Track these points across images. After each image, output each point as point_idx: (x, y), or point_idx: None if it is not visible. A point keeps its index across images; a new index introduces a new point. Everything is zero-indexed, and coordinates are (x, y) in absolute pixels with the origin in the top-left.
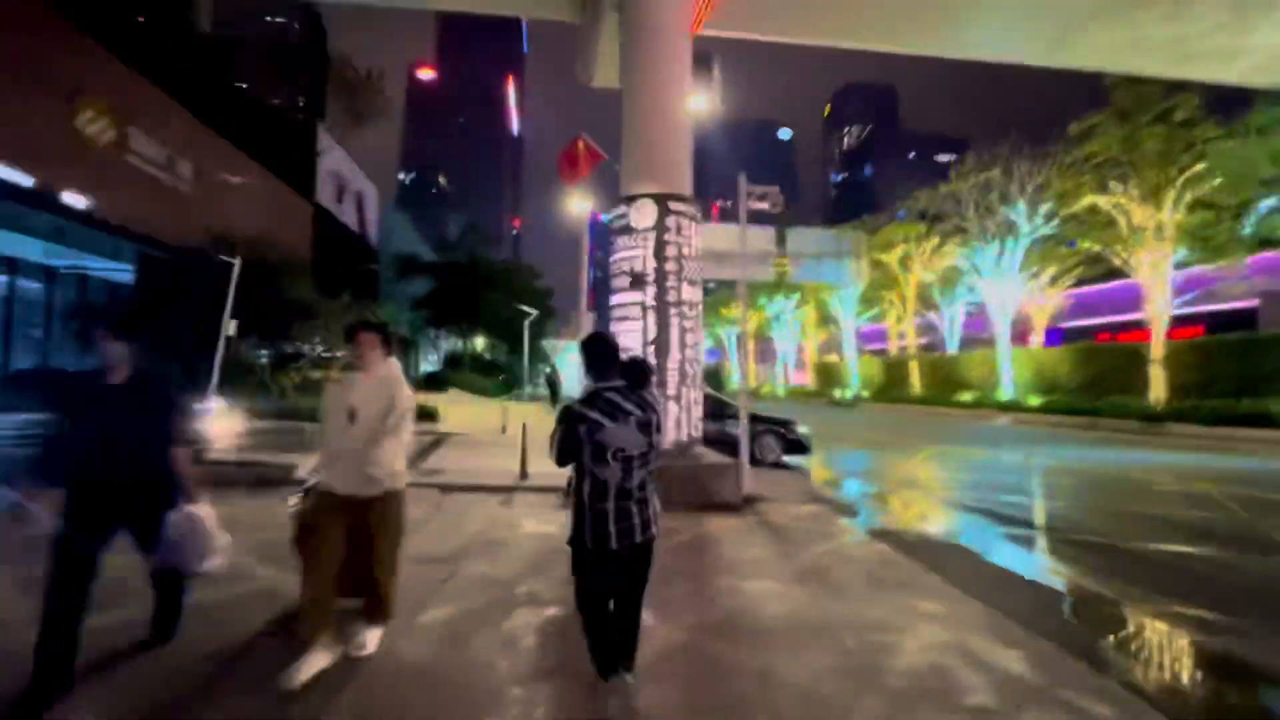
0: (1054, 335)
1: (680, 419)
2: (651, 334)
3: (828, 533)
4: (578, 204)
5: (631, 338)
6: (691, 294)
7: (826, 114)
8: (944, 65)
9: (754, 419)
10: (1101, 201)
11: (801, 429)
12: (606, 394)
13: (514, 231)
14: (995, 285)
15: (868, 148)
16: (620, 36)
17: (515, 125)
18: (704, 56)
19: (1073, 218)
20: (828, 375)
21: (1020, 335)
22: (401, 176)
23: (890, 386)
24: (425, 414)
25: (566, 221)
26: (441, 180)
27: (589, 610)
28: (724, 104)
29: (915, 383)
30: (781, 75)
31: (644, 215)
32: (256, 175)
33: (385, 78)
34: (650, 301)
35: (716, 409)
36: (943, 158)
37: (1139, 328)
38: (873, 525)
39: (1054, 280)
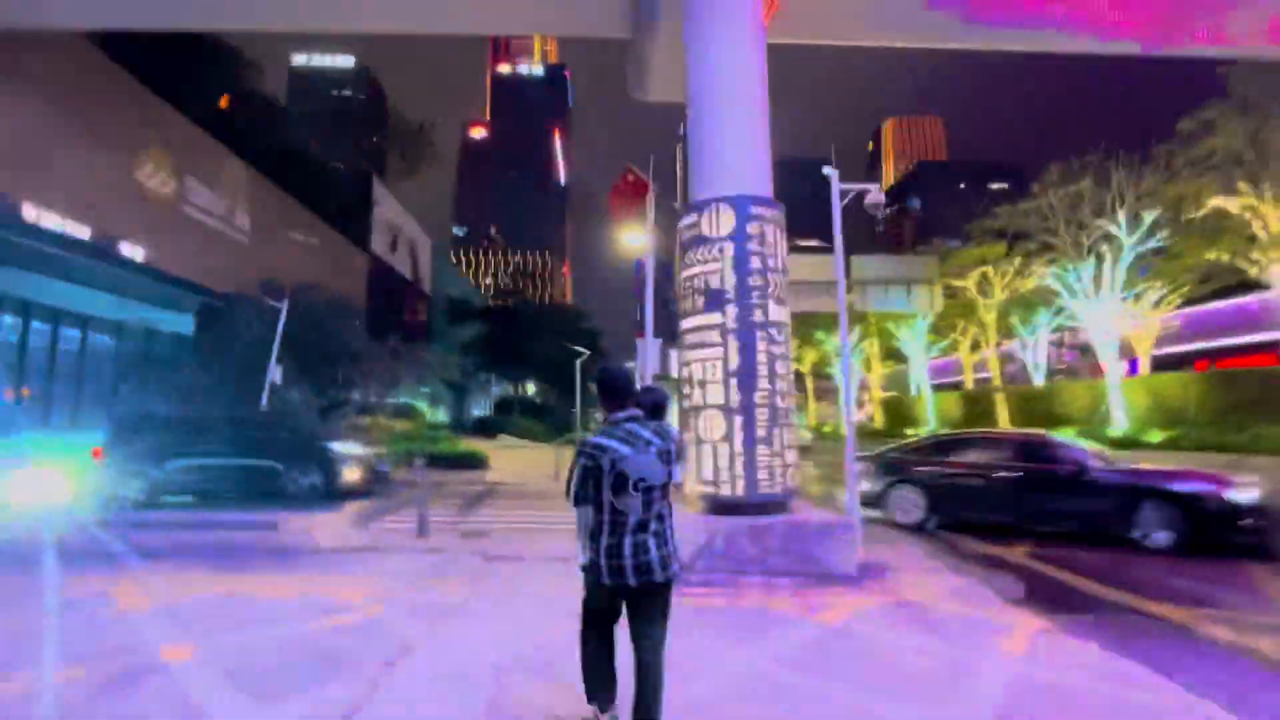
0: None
1: (772, 466)
2: (734, 363)
3: (999, 623)
4: (630, 237)
5: (709, 368)
6: (780, 314)
7: (870, 149)
8: (990, 95)
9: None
10: (1232, 205)
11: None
12: (626, 424)
13: (564, 277)
14: (1095, 308)
15: (913, 180)
16: (685, 33)
17: (563, 175)
18: None
19: (1188, 225)
20: (895, 412)
21: (1093, 365)
22: (456, 230)
23: (969, 423)
24: (473, 461)
25: (614, 265)
26: (493, 231)
27: (591, 637)
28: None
29: (1002, 418)
30: (821, 113)
31: (720, 221)
32: (313, 226)
33: (435, 129)
34: (731, 324)
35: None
36: (995, 185)
37: (1262, 351)
38: (1054, 611)
39: (1158, 300)
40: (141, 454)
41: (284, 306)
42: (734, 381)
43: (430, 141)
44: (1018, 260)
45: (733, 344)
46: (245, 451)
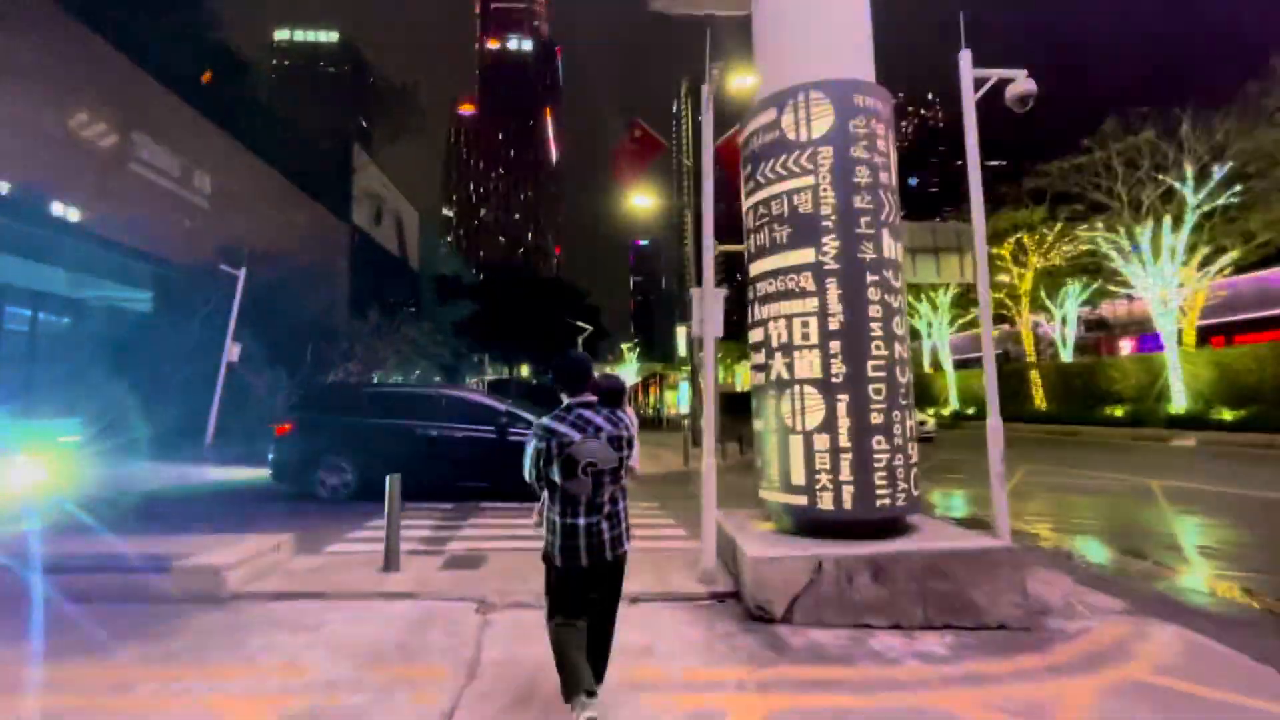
0: (1148, 341)
1: (893, 466)
2: (836, 319)
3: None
4: (639, 199)
5: (796, 328)
6: (895, 249)
7: None
8: (1028, 35)
9: None
10: None
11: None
12: (578, 409)
13: (556, 258)
14: (1152, 274)
15: (912, 158)
16: None
17: (554, 155)
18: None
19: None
20: (920, 387)
21: (1108, 341)
22: (446, 211)
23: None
24: None
25: (608, 245)
26: (483, 212)
27: (562, 633)
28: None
29: (1038, 397)
30: None
31: (812, 118)
32: (286, 193)
33: (420, 88)
34: (832, 263)
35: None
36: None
37: None
38: None
39: (1214, 266)
40: (341, 433)
41: (241, 275)
42: (836, 345)
43: (416, 105)
44: (1059, 225)
45: (833, 292)
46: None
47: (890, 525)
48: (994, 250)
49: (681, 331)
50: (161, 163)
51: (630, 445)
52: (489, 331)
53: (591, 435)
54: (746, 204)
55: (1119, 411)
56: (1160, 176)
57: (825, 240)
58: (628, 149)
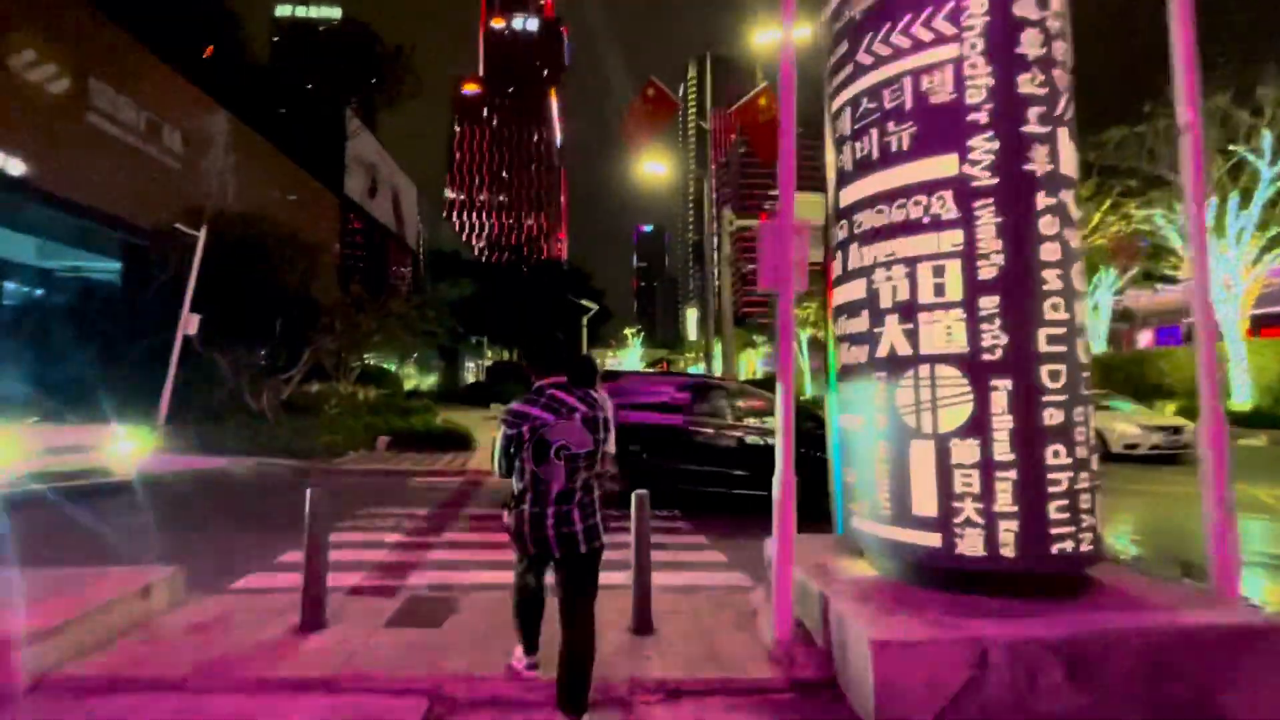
0: (1165, 335)
1: (1075, 492)
2: (992, 261)
3: None
4: (651, 166)
5: (921, 276)
6: (1073, 163)
7: None
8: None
9: None
10: None
11: None
12: (550, 390)
13: (560, 241)
14: (1215, 256)
15: None
16: None
17: (559, 136)
18: (726, 62)
19: None
20: None
21: (1127, 334)
22: (449, 193)
23: None
24: (453, 440)
25: (613, 229)
26: (486, 193)
27: (522, 601)
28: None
29: None
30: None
31: None
32: (271, 156)
33: (415, 51)
34: (984, 177)
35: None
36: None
37: None
38: None
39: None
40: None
41: (201, 236)
42: (991, 303)
43: (412, 69)
44: (1107, 201)
45: (986, 222)
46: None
47: (1069, 581)
48: None
49: (692, 314)
50: (125, 116)
51: (607, 429)
52: (489, 312)
53: (565, 417)
54: (838, 101)
55: (1171, 408)
56: (1231, 148)
57: (974, 142)
58: (641, 109)
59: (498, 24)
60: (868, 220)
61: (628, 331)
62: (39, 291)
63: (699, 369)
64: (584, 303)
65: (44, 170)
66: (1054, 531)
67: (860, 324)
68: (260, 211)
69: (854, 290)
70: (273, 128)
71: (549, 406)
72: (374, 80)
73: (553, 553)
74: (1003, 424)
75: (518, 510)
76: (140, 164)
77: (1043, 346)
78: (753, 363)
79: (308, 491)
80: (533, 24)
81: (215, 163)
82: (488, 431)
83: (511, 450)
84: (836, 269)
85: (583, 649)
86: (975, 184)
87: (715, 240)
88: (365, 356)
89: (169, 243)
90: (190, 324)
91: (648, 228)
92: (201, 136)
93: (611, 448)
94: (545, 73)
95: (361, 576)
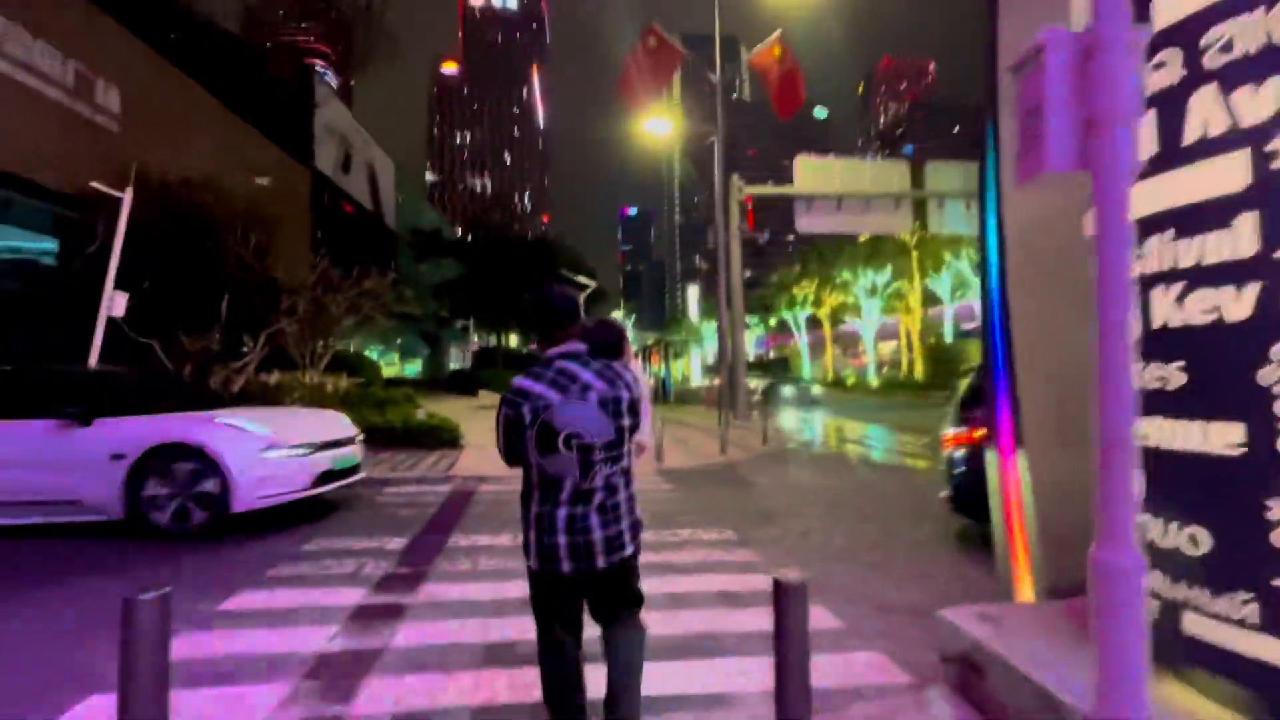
0: None
1: None
2: None
3: None
4: (653, 124)
5: None
6: None
7: (860, 91)
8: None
9: None
10: None
11: None
12: (559, 363)
13: (543, 227)
14: None
15: (907, 124)
16: None
17: (541, 119)
18: (732, 42)
19: None
20: (946, 359)
21: None
22: (430, 176)
23: None
24: (439, 437)
25: (598, 214)
26: (468, 176)
27: (547, 648)
28: (753, 84)
29: None
30: (813, 54)
31: None
32: (228, 122)
33: (387, 9)
34: None
35: None
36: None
37: None
38: None
39: None
40: None
41: (125, 198)
42: None
43: (385, 29)
44: None
45: None
46: None
47: None
48: None
49: (693, 292)
50: (45, 65)
51: (635, 412)
52: (475, 294)
53: (577, 396)
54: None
55: None
56: None
57: None
58: (642, 61)
59: (476, 1)
60: (1246, 35)
61: (616, 314)
62: None
63: (710, 346)
64: (581, 279)
65: None
66: None
67: (1231, 245)
68: (211, 181)
69: (1210, 177)
70: (234, 92)
71: (555, 383)
72: (347, 44)
73: (561, 567)
74: None
75: (524, 511)
76: (67, 123)
77: None
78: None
79: (125, 603)
80: (512, 3)
81: (163, 127)
82: (477, 424)
83: (512, 436)
84: (1148, 142)
85: (630, 686)
86: None
87: (722, 209)
88: (340, 342)
89: (100, 213)
90: (117, 304)
91: (632, 210)
92: (146, 96)
93: (646, 437)
94: (527, 51)
95: (282, 698)
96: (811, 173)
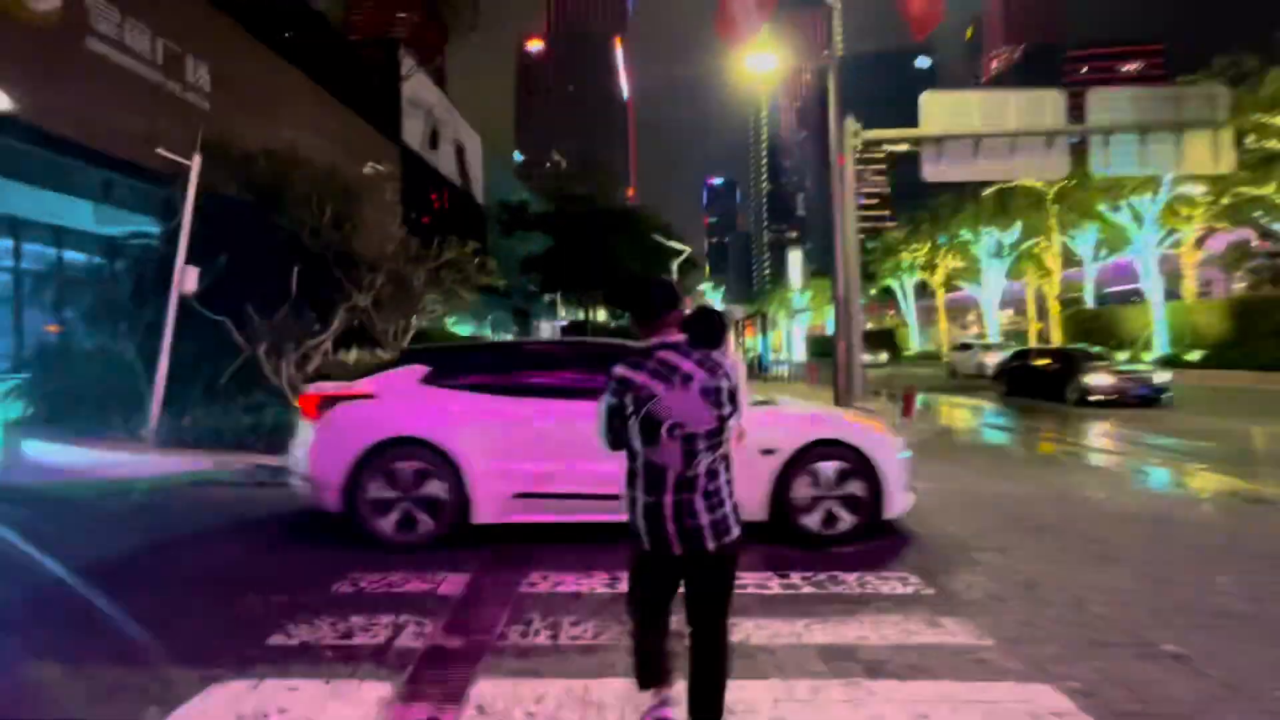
0: None
1: None
2: None
3: None
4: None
5: None
6: None
7: (969, 36)
8: None
9: None
10: None
11: None
12: (660, 353)
13: (628, 200)
14: None
15: (1023, 67)
16: None
17: (625, 90)
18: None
19: None
20: (1090, 329)
21: None
22: (517, 155)
23: (1244, 343)
24: None
25: (682, 185)
26: (555, 155)
27: (640, 616)
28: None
29: None
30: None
31: None
32: (317, 97)
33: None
34: None
35: None
36: (1127, 67)
37: None
38: None
39: None
40: None
41: (194, 165)
42: None
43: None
44: None
45: None
46: None
47: None
48: (1267, 119)
49: (794, 257)
50: (135, 43)
51: (733, 401)
52: (565, 266)
53: (678, 386)
54: None
55: None
56: None
57: None
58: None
59: None
60: None
61: (704, 286)
62: (97, 260)
63: (806, 320)
64: (674, 244)
65: (36, 105)
66: None
67: None
68: (293, 153)
69: None
70: (321, 68)
71: (657, 373)
72: (432, 20)
73: (673, 550)
74: None
75: (630, 496)
76: (159, 100)
77: None
78: (820, 323)
79: None
80: None
81: (254, 104)
82: None
83: (615, 422)
84: None
85: (715, 660)
86: None
87: (837, 149)
88: (425, 319)
89: (178, 186)
90: (188, 280)
91: (718, 180)
92: (232, 72)
93: (745, 423)
94: (609, 23)
95: None
96: (943, 110)
